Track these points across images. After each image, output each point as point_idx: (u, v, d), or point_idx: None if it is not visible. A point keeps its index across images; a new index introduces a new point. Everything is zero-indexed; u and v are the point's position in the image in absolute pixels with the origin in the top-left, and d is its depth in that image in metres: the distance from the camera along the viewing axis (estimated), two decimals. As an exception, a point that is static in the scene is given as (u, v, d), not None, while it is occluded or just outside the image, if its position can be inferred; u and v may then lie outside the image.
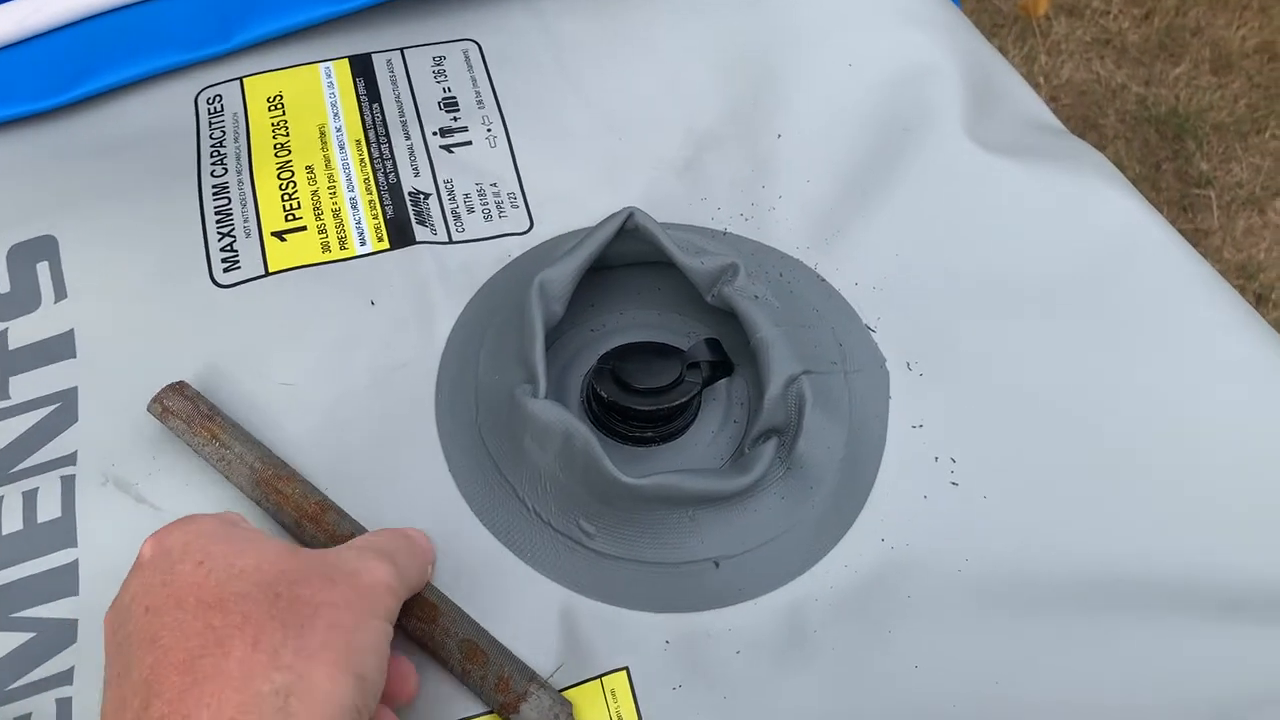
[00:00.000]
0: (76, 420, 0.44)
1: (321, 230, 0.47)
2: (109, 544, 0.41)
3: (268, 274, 0.46)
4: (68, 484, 0.42)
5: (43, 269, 0.47)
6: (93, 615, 0.40)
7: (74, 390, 0.45)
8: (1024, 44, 1.67)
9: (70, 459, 0.43)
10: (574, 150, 0.51)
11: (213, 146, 0.51)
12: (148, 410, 0.43)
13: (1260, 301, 1.44)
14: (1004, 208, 0.49)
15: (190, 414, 0.42)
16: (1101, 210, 0.49)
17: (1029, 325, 0.46)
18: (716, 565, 0.40)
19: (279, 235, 0.47)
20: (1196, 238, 1.48)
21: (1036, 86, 1.63)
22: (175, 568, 0.33)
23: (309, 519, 0.40)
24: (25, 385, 0.45)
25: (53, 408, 0.45)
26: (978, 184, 0.49)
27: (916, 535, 0.41)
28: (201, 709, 0.29)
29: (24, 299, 0.47)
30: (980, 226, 0.48)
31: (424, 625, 0.38)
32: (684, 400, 0.42)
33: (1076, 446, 0.43)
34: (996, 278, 0.47)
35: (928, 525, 0.42)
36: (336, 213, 0.48)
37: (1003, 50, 1.65)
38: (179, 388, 0.43)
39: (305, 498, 0.41)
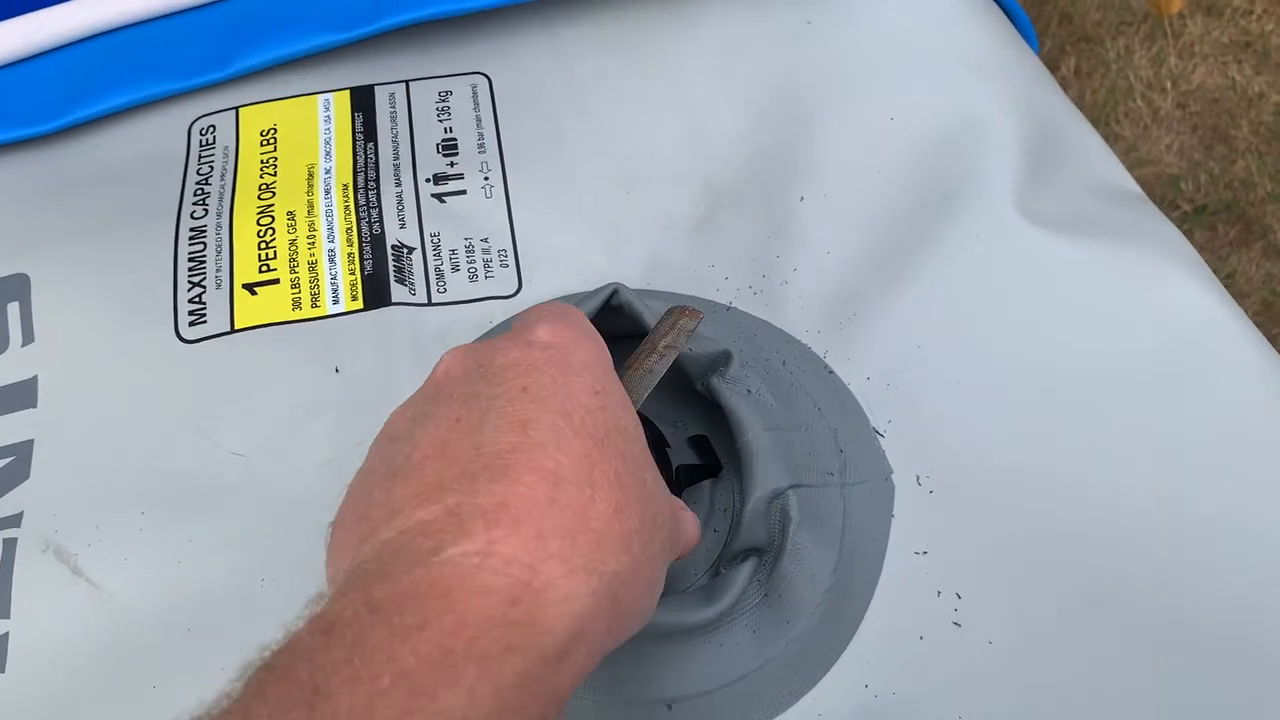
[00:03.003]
0: (28, 477, 0.42)
1: (295, 285, 0.44)
2: (40, 618, 0.39)
3: (233, 330, 0.44)
4: (9, 548, 0.40)
5: (13, 310, 0.45)
6: (17, 698, 0.38)
7: (30, 444, 0.43)
8: (1152, 44, 1.55)
9: (15, 520, 0.41)
10: (576, 203, 0.47)
11: (198, 184, 0.48)
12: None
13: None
14: (1050, 296, 0.43)
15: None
16: (1169, 304, 0.43)
17: (1068, 442, 0.40)
18: (669, 708, 0.36)
19: (250, 288, 0.44)
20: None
21: (1163, 91, 1.51)
22: (571, 378, 0.29)
23: None
24: (-16, 434, 0.43)
25: (7, 461, 0.43)
26: (1022, 266, 0.43)
27: (906, 682, 0.36)
28: (554, 537, 0.24)
29: (-7, 340, 0.45)
30: (1020, 318, 0.42)
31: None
32: None
33: (1109, 597, 0.37)
34: (1033, 381, 0.41)
35: (920, 671, 0.37)
36: (313, 265, 0.45)
37: (1128, 51, 1.54)
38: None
39: None
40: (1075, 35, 1.58)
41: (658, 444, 0.39)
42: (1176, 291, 0.43)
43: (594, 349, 0.31)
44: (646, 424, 0.39)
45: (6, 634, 0.39)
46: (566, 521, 0.25)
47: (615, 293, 0.40)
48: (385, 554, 0.24)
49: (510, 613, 0.23)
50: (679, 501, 0.33)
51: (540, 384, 0.28)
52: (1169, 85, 1.52)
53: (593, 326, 0.33)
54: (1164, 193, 1.43)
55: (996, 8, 0.54)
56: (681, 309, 0.39)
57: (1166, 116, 1.50)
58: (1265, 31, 1.55)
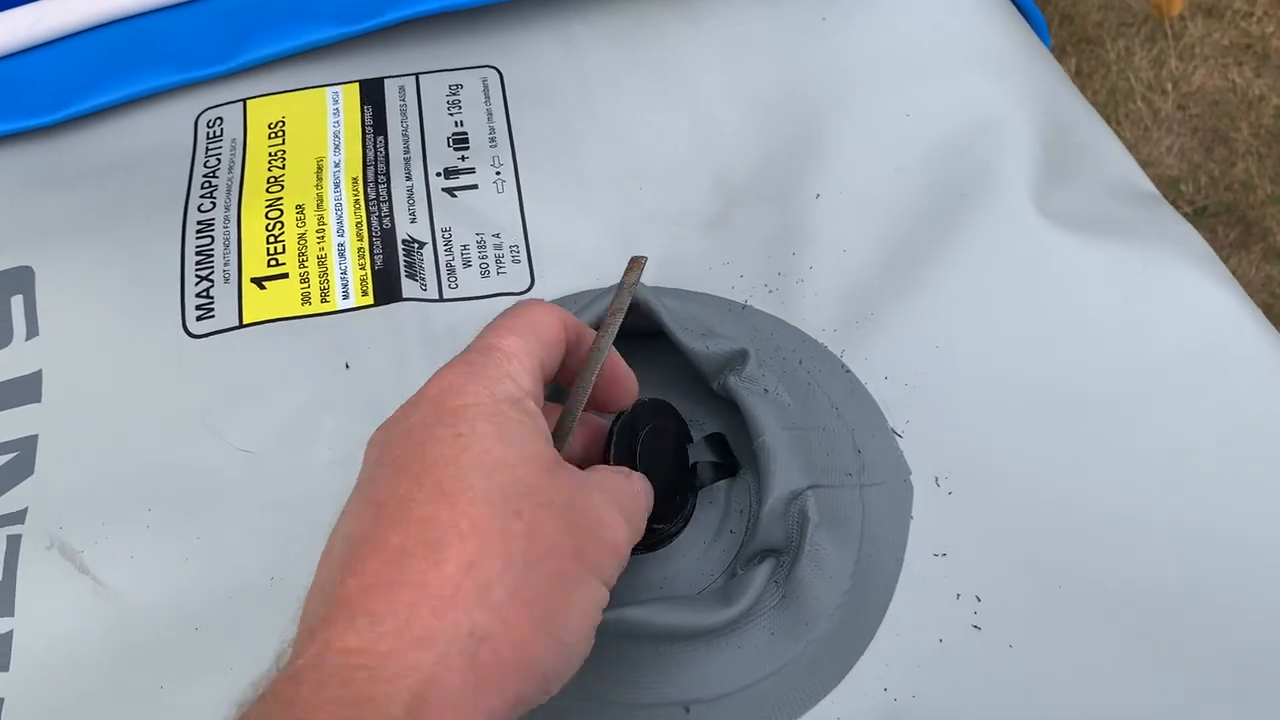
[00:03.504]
0: (32, 473, 0.41)
1: (304, 279, 0.44)
2: (46, 616, 0.39)
3: (241, 325, 0.43)
4: (13, 544, 0.40)
5: (17, 303, 0.45)
6: (21, 697, 0.37)
7: (34, 439, 0.42)
8: (1153, 46, 1.55)
9: (20, 516, 0.40)
10: (589, 199, 0.46)
11: (205, 177, 0.47)
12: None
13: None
14: (1070, 296, 0.42)
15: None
16: (1188, 304, 0.42)
17: (1088, 442, 0.40)
18: (686, 710, 0.35)
19: (258, 282, 0.44)
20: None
21: (1163, 93, 1.51)
22: (436, 430, 0.29)
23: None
24: (-13, 429, 0.43)
25: (11, 456, 0.42)
26: (1041, 266, 0.43)
27: (926, 686, 0.36)
28: (389, 616, 0.25)
29: (-4, 333, 0.44)
30: (1040, 318, 0.42)
31: None
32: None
33: (1131, 600, 0.37)
34: (1053, 381, 0.41)
35: (940, 675, 0.36)
36: (322, 260, 0.44)
37: (1129, 52, 1.54)
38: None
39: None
40: (1076, 36, 1.58)
41: (680, 439, 0.38)
42: (1195, 292, 0.43)
43: (473, 390, 0.30)
44: (669, 417, 0.38)
45: (10, 632, 0.38)
46: (407, 598, 0.26)
47: (632, 290, 0.40)
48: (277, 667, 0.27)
49: (343, 692, 0.24)
50: (596, 503, 0.30)
51: (407, 452, 0.28)
52: (1169, 87, 1.52)
53: (516, 342, 0.32)
54: (1164, 194, 1.43)
55: (1011, 4, 0.53)
56: (632, 261, 0.37)
57: (1167, 118, 1.50)
58: (1266, 34, 1.55)
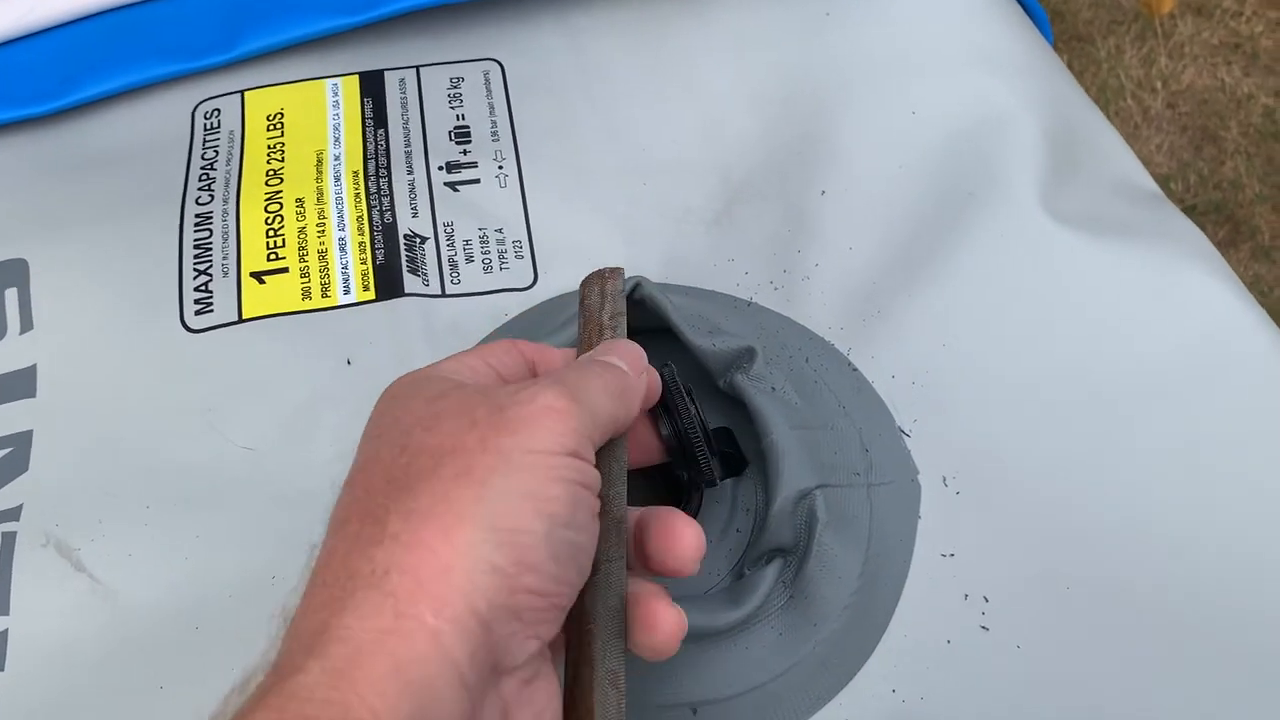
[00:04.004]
0: (27, 469, 0.41)
1: (304, 274, 0.43)
2: (41, 615, 0.38)
3: (241, 320, 0.42)
4: (8, 541, 0.39)
5: (11, 296, 0.44)
6: (16, 697, 0.37)
7: (29, 435, 0.41)
8: (1143, 44, 1.56)
9: (14, 513, 0.40)
10: (593, 194, 0.46)
11: (203, 169, 0.46)
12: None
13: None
14: (1077, 296, 0.42)
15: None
16: (1195, 303, 0.42)
17: (1095, 441, 0.39)
18: (694, 712, 0.35)
19: (258, 276, 0.43)
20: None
21: (1153, 91, 1.51)
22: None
23: None
24: (-19, 424, 0.42)
25: (5, 452, 0.41)
26: (1048, 265, 0.43)
27: (934, 688, 0.36)
28: (315, 590, 0.26)
29: (-11, 327, 0.44)
30: (1047, 317, 0.42)
31: None
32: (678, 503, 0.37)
33: (1140, 600, 0.37)
34: (1061, 381, 0.41)
35: (948, 677, 0.36)
36: (323, 254, 0.44)
37: (1119, 50, 1.54)
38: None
39: None
40: (1066, 34, 1.58)
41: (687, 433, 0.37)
42: (1199, 290, 0.42)
43: (442, 366, 0.31)
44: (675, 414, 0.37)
45: (6, 631, 0.38)
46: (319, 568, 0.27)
47: (638, 286, 0.40)
48: None
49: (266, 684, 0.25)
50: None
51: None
52: (1159, 85, 1.52)
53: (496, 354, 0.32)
54: (1153, 192, 1.44)
55: (1015, 2, 0.53)
56: (597, 275, 0.36)
57: (1156, 116, 1.50)
58: (1255, 33, 1.56)
